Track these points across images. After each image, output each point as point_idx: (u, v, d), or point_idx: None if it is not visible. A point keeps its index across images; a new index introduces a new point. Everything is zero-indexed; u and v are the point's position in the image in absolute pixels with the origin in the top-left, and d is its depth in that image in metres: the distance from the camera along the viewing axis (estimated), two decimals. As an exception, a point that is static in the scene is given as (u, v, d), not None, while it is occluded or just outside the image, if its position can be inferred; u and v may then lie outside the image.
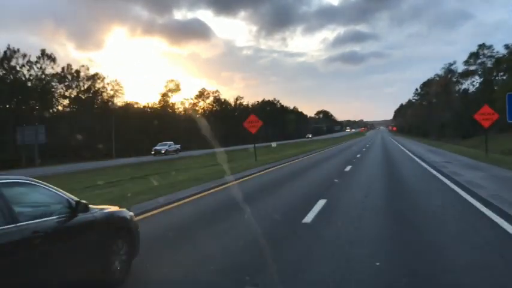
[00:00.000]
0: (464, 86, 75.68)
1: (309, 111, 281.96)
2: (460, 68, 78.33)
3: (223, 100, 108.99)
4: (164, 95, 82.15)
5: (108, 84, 64.59)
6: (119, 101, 70.39)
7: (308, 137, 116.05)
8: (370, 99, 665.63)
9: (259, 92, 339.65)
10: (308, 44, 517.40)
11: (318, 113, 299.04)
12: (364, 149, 35.04)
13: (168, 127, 65.93)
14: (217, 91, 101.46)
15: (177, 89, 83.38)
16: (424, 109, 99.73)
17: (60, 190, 3.97)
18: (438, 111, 76.37)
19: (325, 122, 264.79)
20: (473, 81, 69.71)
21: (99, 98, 61.78)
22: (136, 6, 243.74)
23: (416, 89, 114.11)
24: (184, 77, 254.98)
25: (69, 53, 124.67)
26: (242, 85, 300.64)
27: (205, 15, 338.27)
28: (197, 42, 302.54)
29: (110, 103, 61.77)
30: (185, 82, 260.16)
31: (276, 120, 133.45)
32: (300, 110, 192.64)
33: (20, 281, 2.99)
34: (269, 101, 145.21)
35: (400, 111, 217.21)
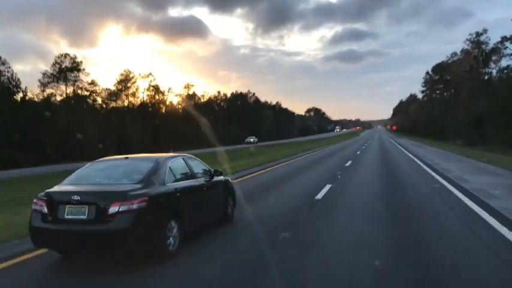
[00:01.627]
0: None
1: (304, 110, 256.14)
2: (495, 37, 47.78)
3: (165, 91, 77.64)
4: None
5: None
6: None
7: (249, 142, 78.65)
8: (368, 99, 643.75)
9: (257, 91, 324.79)
10: (305, 43, 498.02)
11: (309, 110, 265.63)
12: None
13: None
14: (150, 74, 70.32)
15: (77, 67, 53.17)
16: (440, 101, 68.64)
17: (203, 162, 7.09)
18: (467, 101, 45.54)
19: (316, 120, 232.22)
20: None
21: None
22: (130, 3, 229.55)
23: (427, 73, 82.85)
24: (181, 75, 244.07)
25: (62, 51, 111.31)
26: (239, 84, 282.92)
27: (201, 12, 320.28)
28: (193, 40, 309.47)
29: None
30: (181, 81, 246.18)
31: (248, 118, 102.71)
32: (295, 109, 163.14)
33: (198, 208, 6.27)
34: (241, 93, 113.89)
35: (400, 108, 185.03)
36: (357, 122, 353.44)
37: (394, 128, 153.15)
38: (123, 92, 64.43)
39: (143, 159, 6.46)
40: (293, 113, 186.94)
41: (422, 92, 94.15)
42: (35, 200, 5.16)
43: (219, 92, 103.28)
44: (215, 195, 7.17)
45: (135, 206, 4.87)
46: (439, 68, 74.25)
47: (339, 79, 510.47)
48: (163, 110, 72.16)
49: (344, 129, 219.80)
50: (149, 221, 4.99)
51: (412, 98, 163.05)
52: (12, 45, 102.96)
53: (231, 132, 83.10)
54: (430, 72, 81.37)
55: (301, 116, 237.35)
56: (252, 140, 74.94)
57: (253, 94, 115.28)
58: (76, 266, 5.26)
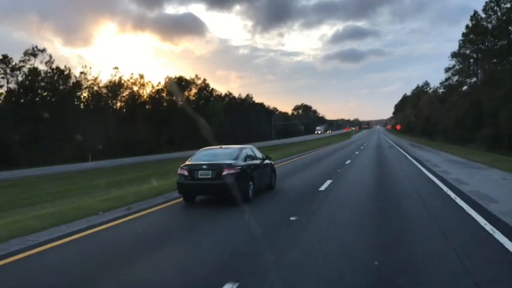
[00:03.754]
0: None
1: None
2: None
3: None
4: None
5: None
6: None
7: None
8: (367, 99, 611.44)
9: (255, 91, 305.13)
10: (306, 42, 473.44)
11: (297, 108, 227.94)
12: None
13: None
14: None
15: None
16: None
17: (257, 149, 12.42)
18: None
19: (305, 119, 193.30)
20: None
21: None
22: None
23: (473, 19, 44.23)
24: (177, 74, 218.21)
25: (56, 50, 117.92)
26: (239, 84, 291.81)
27: (198, 9, 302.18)
28: (191, 38, 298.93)
29: None
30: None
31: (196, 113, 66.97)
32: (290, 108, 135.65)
33: (260, 176, 11.33)
34: (181, 79, 75.77)
35: (405, 103, 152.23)
36: (355, 122, 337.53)
37: (398, 127, 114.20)
38: None
39: (231, 147, 11.81)
40: (272, 110, 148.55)
41: (449, 69, 55.35)
42: (179, 169, 10.40)
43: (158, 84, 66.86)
44: (266, 170, 12.31)
45: (234, 171, 9.89)
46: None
47: (339, 79, 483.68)
48: None
49: (328, 131, 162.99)
50: (241, 179, 10.04)
51: (420, 89, 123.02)
52: (4, 43, 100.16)
53: (147, 136, 47.73)
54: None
55: (286, 114, 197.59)
56: None
57: (204, 81, 77.15)
58: (196, 206, 10.36)
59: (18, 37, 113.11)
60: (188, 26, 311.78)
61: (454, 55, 58.45)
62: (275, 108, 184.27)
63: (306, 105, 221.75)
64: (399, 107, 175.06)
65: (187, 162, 10.54)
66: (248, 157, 11.08)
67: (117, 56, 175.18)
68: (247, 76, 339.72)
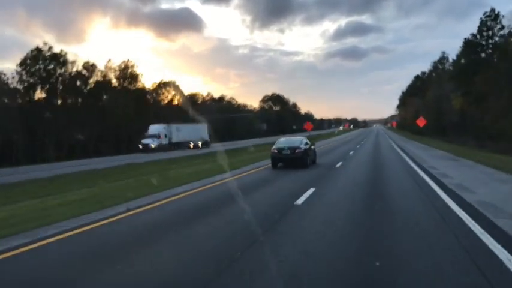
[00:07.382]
0: None
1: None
2: None
3: None
4: None
5: None
6: None
7: None
8: (368, 97, 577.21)
9: (255, 90, 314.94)
10: (306, 39, 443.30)
11: (265, 99, 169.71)
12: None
13: None
14: None
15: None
16: None
17: (305, 138, 27.55)
18: None
19: (274, 115, 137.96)
20: None
21: None
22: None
23: None
24: (175, 73, 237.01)
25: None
26: (238, 84, 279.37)
27: (194, 4, 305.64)
28: (188, 34, 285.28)
29: None
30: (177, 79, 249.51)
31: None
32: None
33: (311, 154, 24.55)
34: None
35: (421, 84, 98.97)
36: (352, 121, 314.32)
37: (422, 123, 53.91)
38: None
39: (297, 137, 26.61)
40: (205, 100, 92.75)
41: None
42: (272, 149, 22.50)
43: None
44: (312, 151, 25.82)
45: (300, 150, 21.89)
46: None
47: (339, 77, 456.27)
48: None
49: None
50: (304, 155, 22.24)
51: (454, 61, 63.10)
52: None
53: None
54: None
55: (251, 109, 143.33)
56: None
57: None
58: (277, 169, 21.10)
59: (8, 34, 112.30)
60: (185, 22, 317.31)
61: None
62: (221, 97, 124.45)
63: (278, 96, 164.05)
64: (410, 93, 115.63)
65: (275, 146, 22.73)
66: (305, 143, 23.15)
67: (111, 53, 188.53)
68: (246, 75, 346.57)
